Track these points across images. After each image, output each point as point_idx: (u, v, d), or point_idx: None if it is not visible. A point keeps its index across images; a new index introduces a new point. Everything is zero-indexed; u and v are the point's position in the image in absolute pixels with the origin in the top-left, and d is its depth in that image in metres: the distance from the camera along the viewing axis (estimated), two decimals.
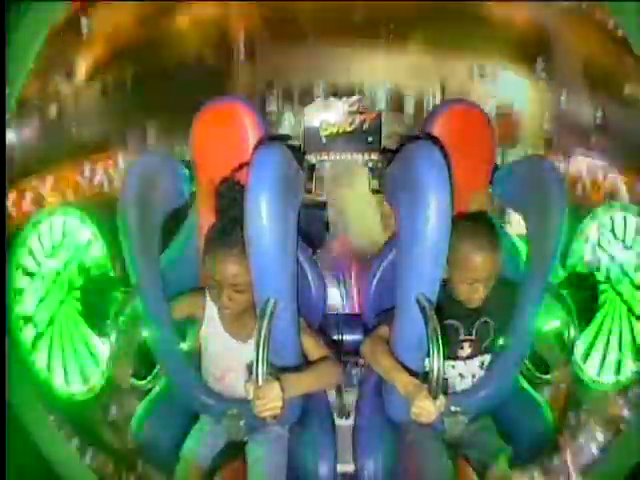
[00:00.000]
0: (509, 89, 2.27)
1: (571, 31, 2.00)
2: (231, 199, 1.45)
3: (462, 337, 1.48)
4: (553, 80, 2.11)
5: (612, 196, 1.88)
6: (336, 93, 2.16)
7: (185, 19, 2.21)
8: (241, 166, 1.53)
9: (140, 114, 2.14)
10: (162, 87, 2.12)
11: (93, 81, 1.97)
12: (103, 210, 1.72)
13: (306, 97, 2.10)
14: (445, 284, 1.39)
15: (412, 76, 2.29)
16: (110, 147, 2.08)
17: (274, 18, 2.25)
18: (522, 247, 1.67)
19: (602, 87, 1.89)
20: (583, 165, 1.99)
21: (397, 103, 2.32)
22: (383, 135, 1.91)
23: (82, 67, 1.90)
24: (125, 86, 2.06)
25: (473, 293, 1.39)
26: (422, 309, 1.23)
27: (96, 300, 1.68)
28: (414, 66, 2.29)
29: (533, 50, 2.14)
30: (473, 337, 1.48)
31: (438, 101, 2.28)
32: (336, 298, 2.30)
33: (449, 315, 1.42)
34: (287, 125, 2.32)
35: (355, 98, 1.90)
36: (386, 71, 2.31)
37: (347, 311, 2.30)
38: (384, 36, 2.23)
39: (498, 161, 1.81)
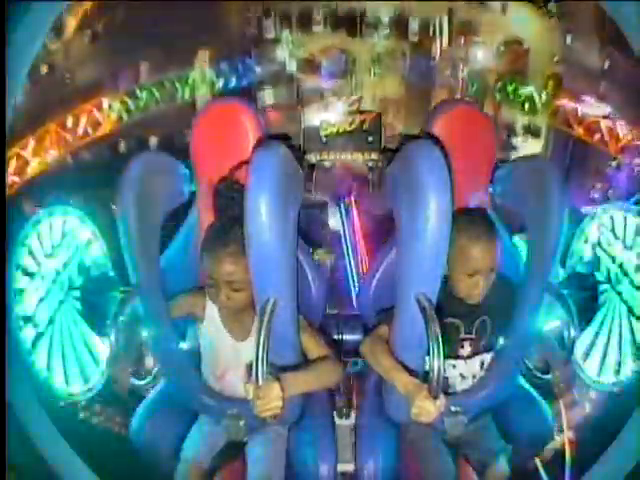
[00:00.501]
0: (519, 24, 2.23)
1: None
2: (230, 198, 1.45)
3: (462, 336, 1.48)
4: (564, 20, 2.07)
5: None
6: (336, 17, 2.11)
7: None
8: (240, 165, 1.53)
9: (135, 50, 2.11)
10: (156, 19, 2.08)
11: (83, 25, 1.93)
12: (103, 210, 1.72)
13: (305, 22, 2.04)
14: (445, 282, 1.39)
15: (418, 3, 2.24)
16: (99, 92, 2.04)
17: None
18: (522, 247, 1.67)
19: (612, 35, 1.85)
20: (593, 109, 1.96)
21: (401, 27, 2.27)
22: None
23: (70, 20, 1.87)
24: (119, 21, 2.02)
25: (473, 287, 1.39)
26: (422, 309, 1.23)
27: (96, 300, 1.68)
28: None
29: None
30: (473, 335, 1.48)
31: (445, 28, 2.24)
32: (337, 219, 2.24)
33: (449, 313, 1.42)
34: (285, 53, 2.25)
35: (355, 98, 1.90)
36: None
37: (348, 231, 2.22)
38: None
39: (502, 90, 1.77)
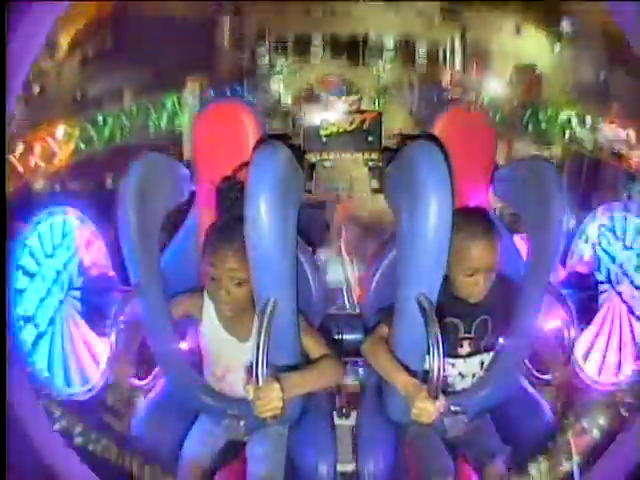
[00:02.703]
0: (532, 47, 2.17)
1: None
2: (232, 199, 1.45)
3: (461, 335, 1.48)
4: (577, 42, 2.03)
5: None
6: (336, 43, 2.00)
7: None
8: (241, 166, 1.53)
9: (126, 71, 2.03)
10: (148, 44, 2.02)
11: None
12: (103, 210, 1.72)
13: (302, 48, 1.95)
14: (445, 281, 1.38)
15: (424, 25, 2.15)
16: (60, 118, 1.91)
17: None
18: (522, 247, 1.67)
19: (621, 53, 1.82)
20: (609, 132, 1.93)
21: (408, 54, 2.18)
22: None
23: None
24: (110, 42, 1.95)
25: (474, 286, 1.39)
26: (422, 309, 1.23)
27: (96, 300, 1.68)
28: (425, 15, 2.16)
29: (556, 8, 2.05)
30: (472, 335, 1.48)
31: (457, 53, 2.15)
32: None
33: (449, 313, 1.42)
34: (279, 83, 2.16)
35: (355, 97, 1.90)
36: (395, 20, 2.18)
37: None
38: None
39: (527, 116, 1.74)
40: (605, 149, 1.93)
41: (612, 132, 1.92)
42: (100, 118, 1.97)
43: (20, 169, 1.64)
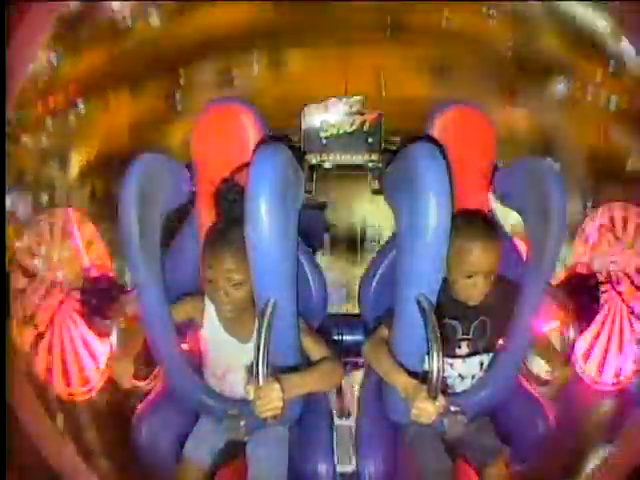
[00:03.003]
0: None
1: (570, 123, 1.98)
2: (231, 201, 1.46)
3: (460, 336, 1.48)
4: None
5: None
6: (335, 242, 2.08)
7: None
8: (241, 167, 1.53)
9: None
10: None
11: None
12: (103, 210, 1.72)
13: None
14: (444, 282, 1.38)
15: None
16: None
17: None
18: (522, 247, 1.67)
19: (606, 171, 1.87)
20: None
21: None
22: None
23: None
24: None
25: (472, 288, 1.38)
26: (422, 310, 1.23)
27: (96, 300, 1.68)
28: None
29: (537, 153, 2.10)
30: (470, 336, 1.48)
31: None
32: None
33: (447, 314, 1.42)
34: None
35: (356, 99, 1.90)
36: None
37: None
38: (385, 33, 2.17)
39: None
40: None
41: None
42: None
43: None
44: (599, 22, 1.57)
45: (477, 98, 1.83)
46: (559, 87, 1.94)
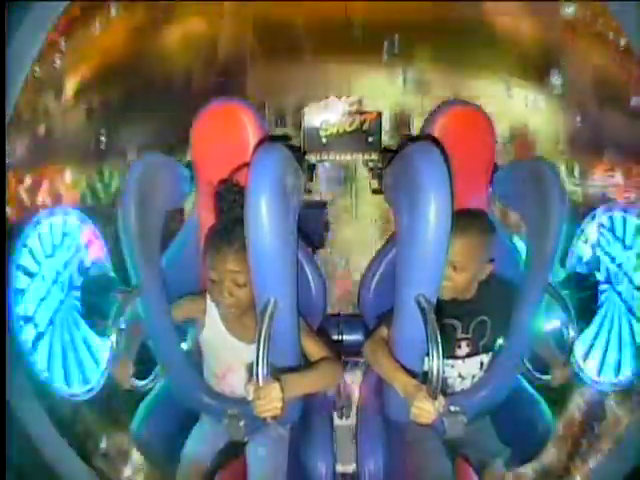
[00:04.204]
0: (522, 108, 2.20)
1: (575, 45, 1.96)
2: (231, 201, 1.46)
3: (459, 336, 1.48)
4: (565, 96, 2.06)
5: None
6: None
7: (174, 34, 2.11)
8: (241, 167, 1.53)
9: (122, 135, 2.02)
10: (148, 106, 2.04)
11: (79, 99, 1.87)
12: (103, 210, 1.72)
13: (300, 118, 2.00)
14: None
15: (417, 94, 2.22)
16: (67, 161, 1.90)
17: (267, 33, 2.15)
18: (522, 247, 1.67)
19: (611, 101, 1.85)
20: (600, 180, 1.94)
21: (403, 122, 2.25)
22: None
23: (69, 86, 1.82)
24: (109, 105, 1.95)
25: (444, 280, 1.32)
26: (422, 310, 1.23)
27: (96, 300, 1.68)
28: (419, 83, 2.22)
29: (543, 66, 2.08)
30: (470, 336, 1.48)
31: None
32: None
33: (447, 314, 1.42)
34: None
35: (355, 98, 1.90)
36: (389, 89, 2.23)
37: None
38: (387, 52, 2.16)
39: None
40: (592, 197, 1.95)
41: (602, 179, 1.93)
42: (107, 173, 1.98)
43: (27, 203, 1.64)
44: None
45: None
46: (569, 9, 1.90)
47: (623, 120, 1.81)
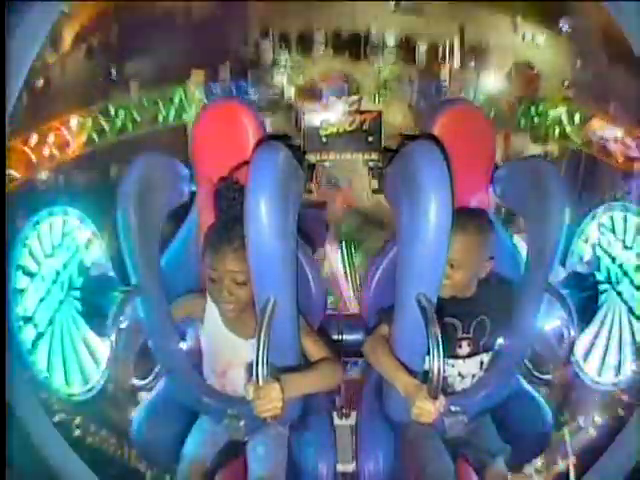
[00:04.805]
0: (530, 45, 2.18)
1: None
2: (230, 199, 1.46)
3: (460, 335, 1.48)
4: (574, 40, 2.03)
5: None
6: (338, 39, 2.02)
7: None
8: (240, 165, 1.53)
9: (125, 68, 2.00)
10: (148, 38, 2.01)
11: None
12: (103, 210, 1.72)
13: (305, 44, 1.96)
14: None
15: (424, 23, 2.18)
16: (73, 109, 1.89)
17: None
18: (522, 247, 1.67)
19: (619, 53, 1.82)
20: (605, 132, 1.92)
21: (408, 50, 2.21)
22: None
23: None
24: (109, 43, 1.94)
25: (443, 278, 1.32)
26: (422, 309, 1.23)
27: (96, 300, 1.68)
28: (427, 12, 2.18)
29: (554, 7, 2.06)
30: (471, 335, 1.48)
31: (455, 51, 2.15)
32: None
33: (447, 313, 1.42)
34: (283, 78, 2.15)
35: (355, 98, 1.90)
36: (396, 17, 2.19)
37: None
38: None
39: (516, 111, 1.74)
40: (594, 145, 1.93)
41: (601, 129, 1.92)
42: (112, 110, 1.97)
43: (34, 159, 1.63)
44: None
45: None
46: None
47: (630, 75, 1.78)
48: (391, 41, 2.14)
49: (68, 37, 1.78)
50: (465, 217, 1.38)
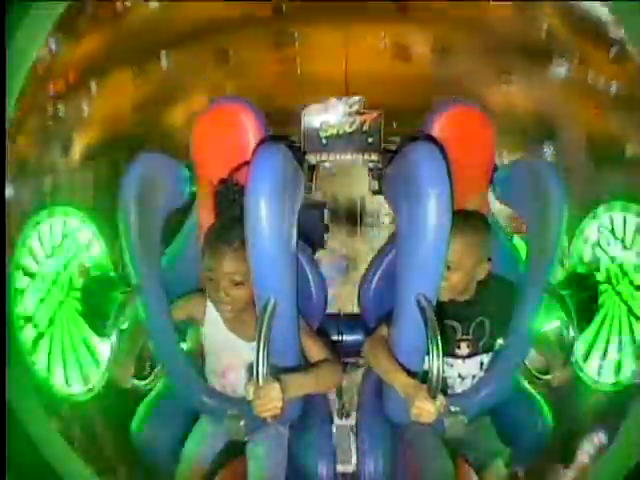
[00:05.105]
0: None
1: (570, 106, 1.96)
2: (230, 200, 1.46)
3: (459, 336, 1.48)
4: (560, 162, 2.06)
5: None
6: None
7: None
8: (241, 166, 1.53)
9: None
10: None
11: None
12: (103, 210, 1.72)
13: None
14: None
15: None
16: None
17: None
18: (522, 247, 1.67)
19: (606, 157, 1.85)
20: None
21: None
22: None
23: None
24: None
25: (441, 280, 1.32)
26: (422, 309, 1.23)
27: (96, 300, 1.68)
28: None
29: (537, 137, 2.09)
30: (470, 336, 1.48)
31: None
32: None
33: (446, 315, 1.42)
34: None
35: (356, 99, 1.90)
36: None
37: None
38: None
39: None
40: None
41: None
42: None
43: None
44: (602, 8, 1.54)
45: (476, 76, 1.80)
46: (558, 69, 1.91)
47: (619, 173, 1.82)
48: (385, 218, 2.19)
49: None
50: (461, 218, 1.38)
